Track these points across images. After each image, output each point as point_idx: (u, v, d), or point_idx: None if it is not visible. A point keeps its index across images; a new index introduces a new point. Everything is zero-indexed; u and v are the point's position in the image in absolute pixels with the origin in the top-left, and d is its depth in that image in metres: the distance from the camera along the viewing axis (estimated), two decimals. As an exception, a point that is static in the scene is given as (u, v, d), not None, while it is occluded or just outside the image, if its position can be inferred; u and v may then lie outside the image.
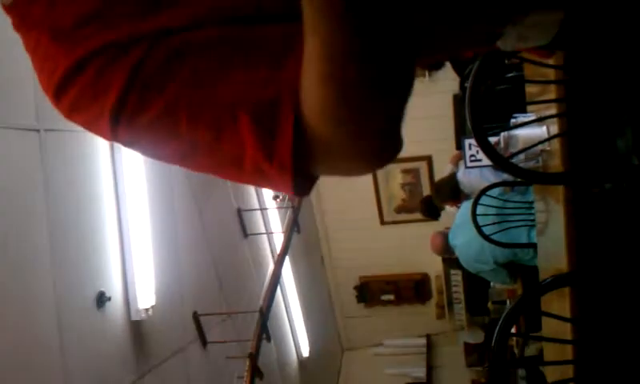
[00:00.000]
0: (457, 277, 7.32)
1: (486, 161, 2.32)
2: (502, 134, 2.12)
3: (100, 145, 3.41)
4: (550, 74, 1.98)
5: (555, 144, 2.06)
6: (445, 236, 4.09)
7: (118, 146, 3.45)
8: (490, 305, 6.01)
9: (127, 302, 3.49)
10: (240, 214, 5.40)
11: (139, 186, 3.61)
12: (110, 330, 3.34)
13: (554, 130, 2.05)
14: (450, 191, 4.81)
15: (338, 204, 7.56)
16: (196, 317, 4.30)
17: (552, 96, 2.01)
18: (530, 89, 2.39)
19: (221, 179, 3.74)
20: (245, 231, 5.42)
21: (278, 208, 5.07)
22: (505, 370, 2.02)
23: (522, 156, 2.08)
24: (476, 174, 4.50)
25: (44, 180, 2.94)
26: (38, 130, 2.92)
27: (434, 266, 7.42)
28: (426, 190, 7.30)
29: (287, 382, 6.08)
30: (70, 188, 3.14)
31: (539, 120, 2.12)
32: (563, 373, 2.10)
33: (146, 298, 3.56)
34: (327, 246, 7.87)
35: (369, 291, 7.91)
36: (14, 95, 2.82)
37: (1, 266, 2.63)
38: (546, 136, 2.05)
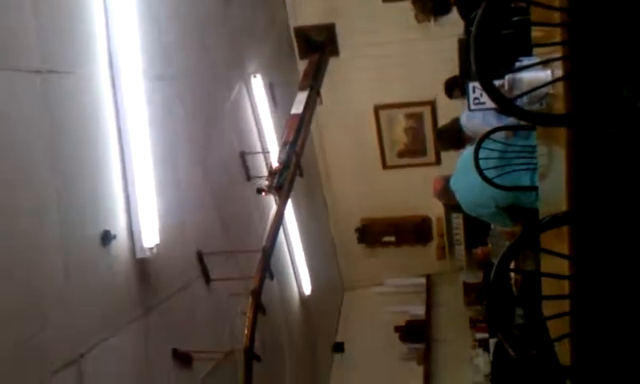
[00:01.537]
0: (458, 220, 7.40)
1: (490, 104, 2.32)
2: (507, 76, 2.11)
3: (102, 85, 3.41)
4: (557, 17, 1.97)
5: (559, 87, 2.06)
6: (446, 180, 4.10)
7: (120, 88, 3.47)
8: (490, 245, 6.09)
9: (132, 240, 3.55)
10: (243, 157, 5.42)
11: (142, 126, 3.62)
12: (115, 268, 3.41)
13: (559, 73, 2.05)
14: (453, 137, 4.82)
15: (340, 148, 7.57)
16: (200, 255, 4.38)
17: (558, 40, 2.00)
18: (536, 33, 2.38)
19: (224, 123, 3.79)
20: (248, 174, 5.45)
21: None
22: (502, 305, 2.07)
23: (525, 99, 2.08)
24: (479, 117, 4.49)
25: (47, 121, 2.95)
26: (40, 72, 2.91)
27: (435, 209, 7.49)
28: (429, 135, 7.30)
29: (289, 319, 6.22)
30: (73, 128, 3.16)
31: (544, 63, 2.11)
32: (561, 309, 2.16)
33: (150, 236, 3.62)
34: (330, 189, 7.92)
35: (370, 233, 8.00)
36: (15, 36, 2.80)
37: (6, 207, 2.67)
38: (551, 79, 2.04)
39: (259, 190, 4.69)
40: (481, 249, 6.32)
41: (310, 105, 5.42)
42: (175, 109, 4.30)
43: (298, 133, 5.17)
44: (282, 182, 4.71)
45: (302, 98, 5.40)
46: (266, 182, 4.70)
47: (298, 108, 5.34)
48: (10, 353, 2.60)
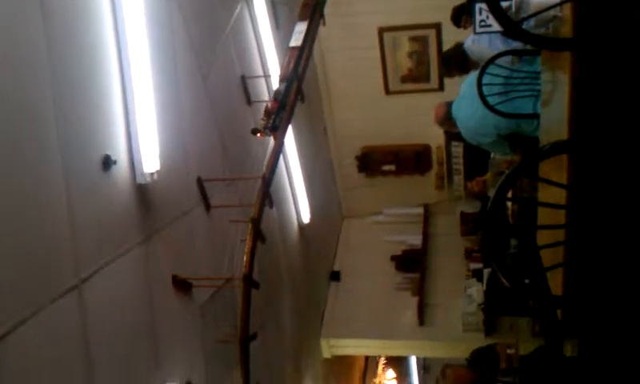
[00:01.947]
0: (457, 148, 7.37)
1: (496, 26, 2.26)
2: (513, -2, 2.05)
3: (102, 2, 3.32)
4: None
5: (566, 10, 2.00)
6: (448, 106, 4.06)
7: (120, 5, 3.37)
8: (488, 175, 6.10)
9: (132, 165, 3.53)
10: (244, 80, 5.34)
11: (142, 47, 3.55)
12: (116, 193, 3.41)
13: (567, -5, 1.98)
14: (457, 62, 4.74)
15: (343, 72, 7.45)
16: (200, 182, 4.38)
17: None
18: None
19: (225, 45, 3.70)
20: (249, 98, 5.39)
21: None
22: (497, 235, 2.07)
23: (532, 22, 2.03)
24: (485, 41, 4.40)
25: (46, 39, 2.88)
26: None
27: (435, 137, 7.45)
28: (434, 59, 7.17)
29: (288, 247, 6.29)
30: (72, 47, 3.09)
31: (552, -16, 2.05)
32: (555, 239, 2.16)
33: (150, 162, 3.61)
34: (330, 115, 7.85)
35: (370, 161, 7.98)
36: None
37: (6, 132, 2.64)
38: (558, 1, 1.98)
39: (254, 131, 4.56)
40: (476, 181, 6.32)
41: (310, 32, 5.26)
42: (176, 29, 4.20)
43: (296, 64, 4.96)
44: (278, 123, 4.57)
45: (301, 28, 5.15)
46: (262, 122, 4.55)
47: (297, 40, 5.10)
48: (12, 276, 2.62)
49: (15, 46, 2.73)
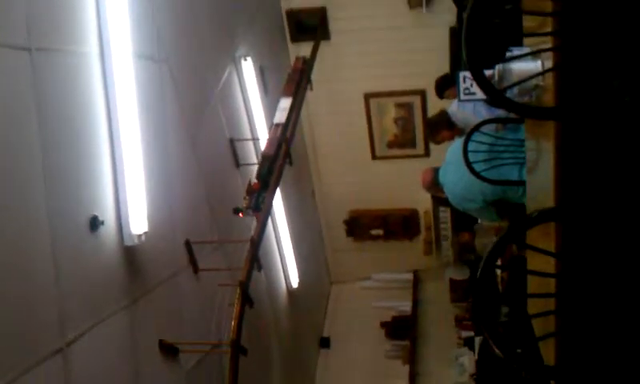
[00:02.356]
0: (445, 214, 7.41)
1: (480, 94, 2.31)
2: (497, 66, 2.11)
3: (92, 64, 3.37)
4: (549, 7, 1.96)
5: (549, 79, 2.06)
6: (435, 172, 4.11)
7: (110, 67, 3.43)
8: (476, 242, 6.12)
9: (120, 227, 3.52)
10: (232, 143, 5.39)
11: (132, 111, 3.59)
12: (103, 254, 3.39)
13: (549, 65, 2.05)
14: (443, 122, 4.81)
15: (330, 137, 7.55)
16: (188, 244, 4.36)
17: (549, 30, 2.00)
18: (528, 22, 2.37)
19: (214, 108, 3.73)
20: (237, 161, 5.43)
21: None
22: (487, 303, 2.06)
23: (515, 90, 2.08)
24: (470, 108, 4.50)
25: (36, 101, 2.91)
26: (29, 49, 2.87)
27: (423, 202, 7.50)
28: (419, 125, 7.30)
29: (276, 311, 6.21)
30: (62, 110, 3.12)
31: (534, 53, 2.11)
32: (546, 308, 2.16)
33: (139, 223, 3.60)
34: (318, 179, 7.91)
35: (358, 225, 7.99)
36: (3, 13, 2.76)
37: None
38: (540, 70, 2.04)
39: (235, 211, 4.43)
40: (468, 233, 6.36)
41: (298, 97, 5.33)
42: (165, 91, 4.26)
43: (279, 145, 4.91)
44: (261, 203, 4.48)
45: (285, 104, 5.17)
46: (244, 201, 4.43)
47: (280, 117, 5.09)
48: (-4, 338, 2.57)
49: (5, 107, 2.75)
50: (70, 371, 3.00)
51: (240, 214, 4.41)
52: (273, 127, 5.01)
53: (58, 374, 2.94)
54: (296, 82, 5.35)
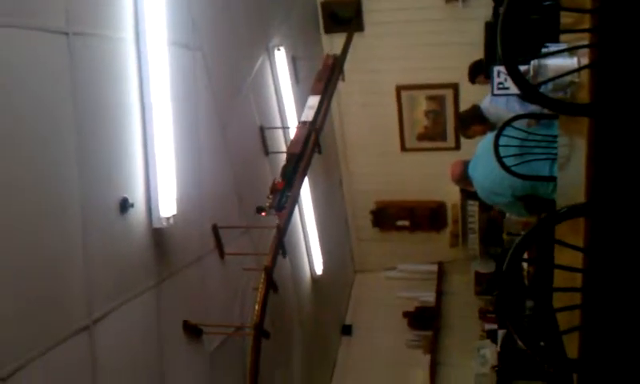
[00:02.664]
0: (473, 207, 7.35)
1: (514, 89, 2.30)
2: (532, 62, 2.09)
3: (127, 50, 3.41)
4: (587, 3, 1.94)
5: (584, 76, 2.03)
6: (465, 165, 4.08)
7: (145, 54, 3.48)
8: (504, 236, 6.06)
9: (149, 209, 3.58)
10: (262, 131, 5.42)
11: (165, 96, 3.63)
12: (132, 236, 3.45)
13: (585, 61, 2.02)
14: (475, 116, 4.79)
15: (360, 127, 7.54)
16: (215, 229, 4.40)
17: (586, 27, 1.97)
18: (565, 19, 2.34)
19: (246, 97, 3.76)
20: (266, 149, 5.46)
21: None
22: (512, 296, 2.05)
23: (550, 86, 2.06)
24: (502, 103, 4.46)
25: (71, 84, 2.97)
26: (66, 33, 2.92)
27: (451, 195, 7.45)
28: (451, 119, 7.24)
29: (300, 298, 6.25)
30: (96, 93, 3.18)
31: (570, 49, 2.08)
32: (571, 302, 2.15)
33: (167, 206, 3.65)
34: (346, 169, 7.90)
35: (384, 216, 7.98)
36: (43, -3, 2.81)
37: (28, 170, 2.70)
38: (576, 67, 2.02)
39: (259, 209, 4.36)
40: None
41: (330, 86, 5.31)
42: (198, 78, 4.30)
43: (306, 143, 4.81)
44: (284, 203, 4.39)
45: (313, 102, 5.08)
46: (268, 201, 4.36)
47: (308, 115, 5.02)
48: (24, 314, 2.64)
49: (41, 89, 2.81)
50: (95, 348, 3.07)
51: (263, 213, 4.37)
52: (300, 125, 4.99)
53: (85, 351, 3.01)
54: (325, 80, 5.30)
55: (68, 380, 2.91)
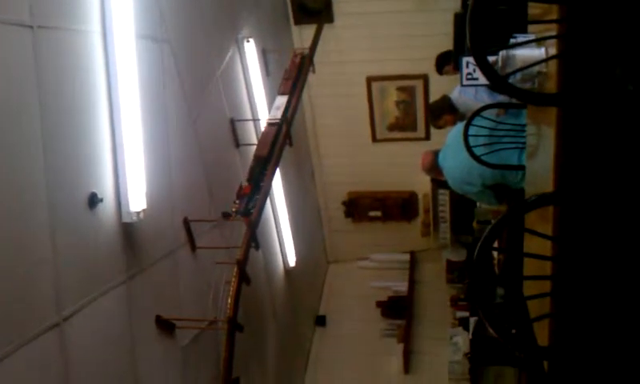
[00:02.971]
0: (444, 196, 7.43)
1: (482, 80, 2.32)
2: (500, 53, 2.11)
3: (94, 43, 3.36)
4: (554, -6, 1.96)
5: (552, 67, 2.06)
6: (435, 155, 4.11)
7: (112, 47, 3.42)
8: (474, 224, 6.13)
9: (119, 204, 3.53)
10: (233, 124, 5.39)
11: (133, 90, 3.58)
12: (101, 231, 3.40)
13: (553, 52, 2.04)
14: (445, 107, 4.82)
15: (331, 119, 7.55)
16: (186, 222, 4.37)
17: (554, 18, 1.99)
18: (533, 10, 2.36)
19: (215, 89, 3.73)
20: (237, 141, 5.43)
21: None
22: (483, 283, 2.08)
23: (518, 77, 2.08)
24: (471, 93, 4.50)
25: (37, 78, 2.91)
26: (31, 27, 2.86)
27: (422, 184, 7.51)
28: (421, 109, 7.29)
29: (273, 290, 6.25)
30: (62, 87, 3.12)
31: (538, 40, 2.11)
32: (541, 290, 2.18)
33: (137, 201, 3.61)
34: (318, 160, 7.91)
35: (356, 207, 8.02)
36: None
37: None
38: (544, 57, 2.04)
39: (225, 215, 4.31)
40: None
41: (300, 80, 5.28)
42: (167, 71, 4.25)
43: (273, 144, 4.72)
44: (251, 208, 4.26)
45: (280, 102, 4.98)
46: (234, 206, 4.26)
47: (275, 114, 4.93)
48: (-7, 311, 2.59)
49: (6, 83, 2.74)
50: (66, 346, 3.03)
51: (229, 219, 4.27)
52: (267, 126, 4.87)
53: (55, 349, 2.97)
54: (293, 79, 5.23)
55: (40, 378, 2.86)
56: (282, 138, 4.85)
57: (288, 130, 4.99)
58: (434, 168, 4.18)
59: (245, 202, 4.29)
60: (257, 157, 4.60)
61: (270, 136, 4.74)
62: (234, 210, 4.26)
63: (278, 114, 4.91)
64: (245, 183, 4.41)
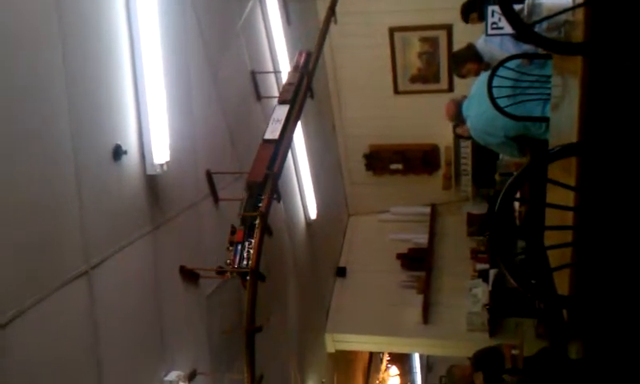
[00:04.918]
0: (466, 149, 7.38)
1: (508, 29, 2.28)
2: (526, 1, 2.07)
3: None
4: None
5: (579, 15, 2.02)
6: (459, 104, 4.09)
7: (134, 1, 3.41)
8: (496, 176, 6.11)
9: (143, 156, 3.57)
10: (254, 76, 5.36)
11: (154, 42, 3.58)
12: (126, 183, 3.45)
13: (580, 0, 2.00)
14: (470, 55, 4.74)
15: (352, 71, 7.46)
16: (209, 175, 4.41)
17: (581, -36, 1.94)
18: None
19: (236, 41, 3.70)
20: (258, 94, 5.41)
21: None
22: (504, 235, 2.08)
23: (544, 26, 2.05)
24: (496, 43, 4.42)
25: (60, 29, 2.92)
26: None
27: (444, 137, 7.45)
28: (444, 61, 7.17)
29: (294, 242, 6.31)
30: (86, 39, 3.13)
31: (565, -12, 2.06)
32: (563, 241, 2.18)
33: (161, 153, 3.64)
34: (339, 113, 7.86)
35: (378, 159, 7.99)
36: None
37: (20, 119, 2.68)
38: (571, 5, 2.00)
39: (220, 272, 3.92)
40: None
41: (322, 31, 5.15)
42: (189, 23, 4.23)
43: (270, 166, 4.11)
44: (246, 258, 3.72)
45: (280, 114, 4.29)
46: (228, 255, 3.81)
47: (273, 131, 4.16)
48: (23, 259, 2.66)
49: (30, 34, 2.76)
50: (94, 293, 3.12)
51: (225, 276, 3.87)
52: (262, 143, 4.20)
53: (83, 296, 3.06)
54: (294, 88, 4.60)
55: (68, 325, 2.96)
56: (303, 91, 4.82)
57: (309, 82, 4.95)
58: (457, 116, 4.16)
59: (238, 252, 3.79)
60: (250, 184, 3.86)
61: (267, 156, 4.07)
62: (228, 261, 3.82)
63: (277, 130, 4.25)
64: (238, 226, 3.84)
